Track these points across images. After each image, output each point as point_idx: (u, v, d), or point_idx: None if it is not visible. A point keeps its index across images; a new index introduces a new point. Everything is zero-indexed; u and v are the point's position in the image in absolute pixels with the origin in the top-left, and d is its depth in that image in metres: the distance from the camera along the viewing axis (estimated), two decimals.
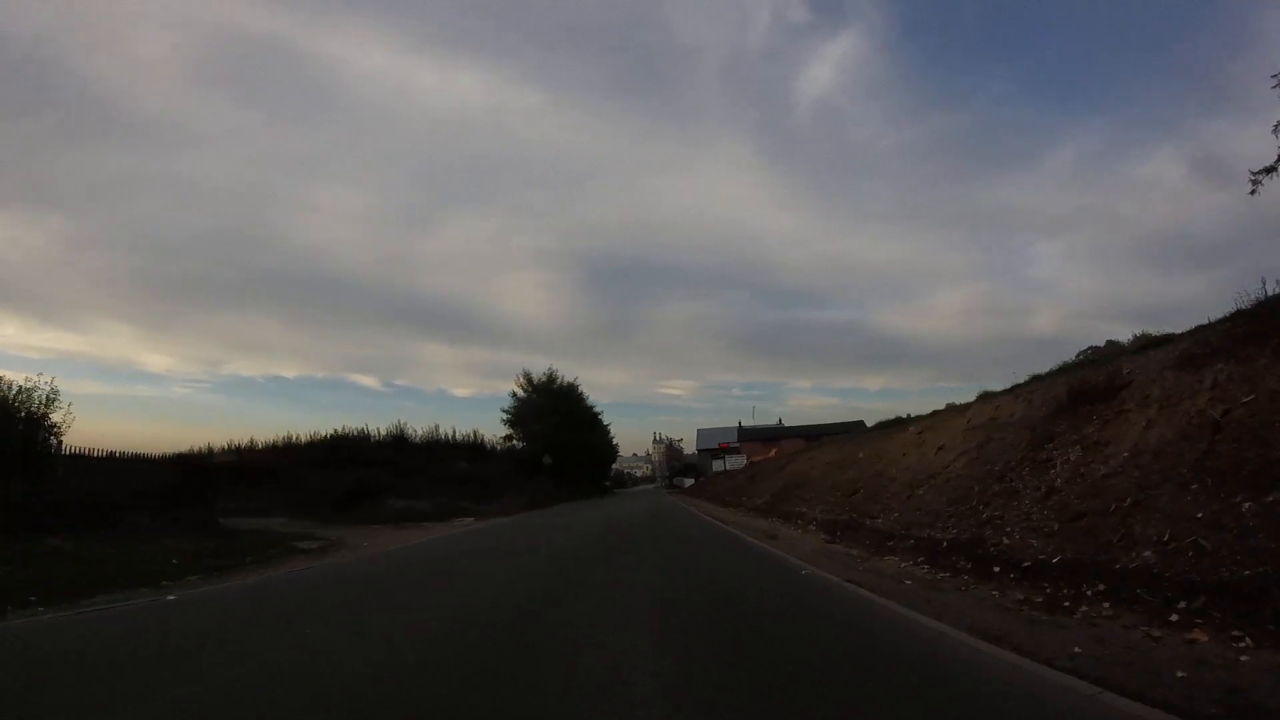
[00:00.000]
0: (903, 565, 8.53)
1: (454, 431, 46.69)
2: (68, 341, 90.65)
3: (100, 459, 14.81)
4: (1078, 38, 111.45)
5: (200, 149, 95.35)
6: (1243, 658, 3.88)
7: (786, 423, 73.38)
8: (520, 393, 47.87)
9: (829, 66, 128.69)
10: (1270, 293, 8.38)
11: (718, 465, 52.93)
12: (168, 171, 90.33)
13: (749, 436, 59.41)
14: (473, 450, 46.25)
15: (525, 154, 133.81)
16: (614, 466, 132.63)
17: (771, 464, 31.40)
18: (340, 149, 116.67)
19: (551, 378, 48.23)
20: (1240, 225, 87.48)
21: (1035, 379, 12.99)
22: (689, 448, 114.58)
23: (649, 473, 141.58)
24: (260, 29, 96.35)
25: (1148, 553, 5.62)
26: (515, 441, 46.82)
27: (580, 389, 49.65)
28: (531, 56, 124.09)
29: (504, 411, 47.36)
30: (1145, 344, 10.32)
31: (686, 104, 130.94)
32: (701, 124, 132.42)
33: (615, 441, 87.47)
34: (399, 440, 44.21)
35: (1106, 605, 5.26)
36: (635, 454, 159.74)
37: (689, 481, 65.65)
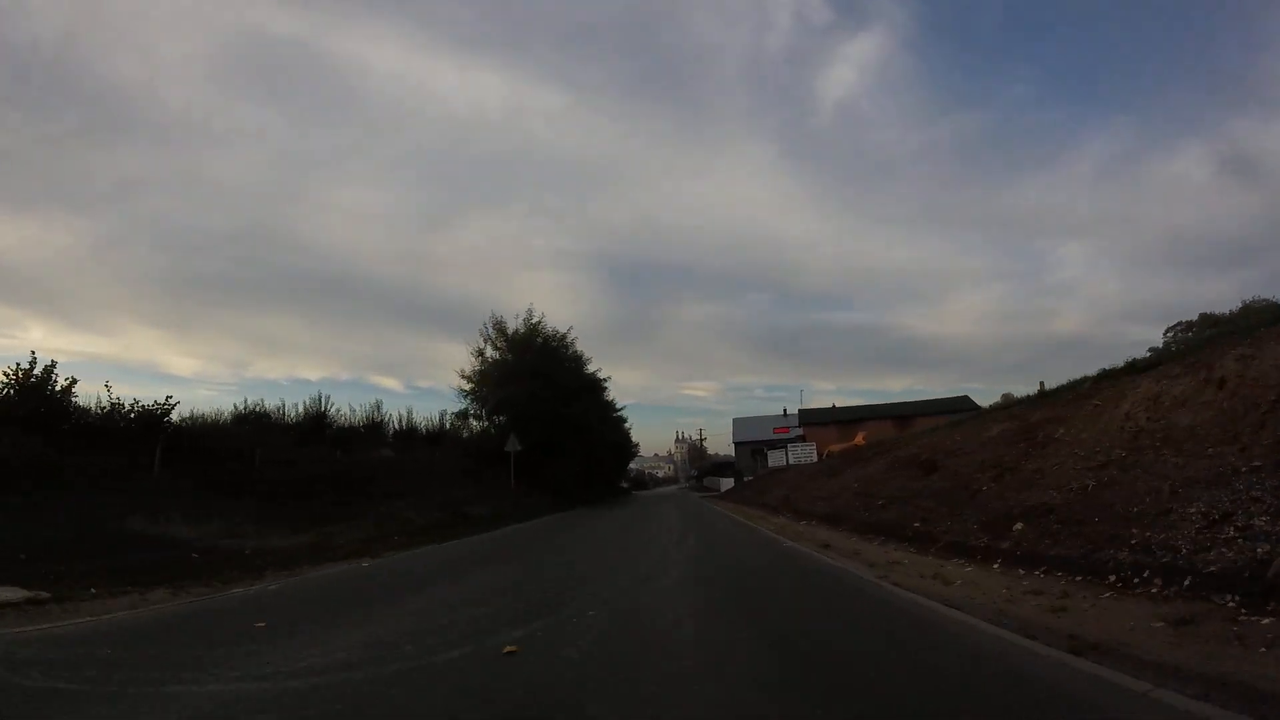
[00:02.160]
0: None
1: (408, 414, 30.62)
2: (94, 344, 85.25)
3: None
4: (1100, 37, 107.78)
5: (223, 150, 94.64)
6: None
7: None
8: (490, 351, 31.27)
9: (850, 68, 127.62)
10: None
11: (775, 459, 35.88)
12: (190, 172, 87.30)
13: (813, 420, 42.29)
14: (405, 437, 29.79)
15: (545, 155, 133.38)
16: (632, 466, 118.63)
17: (940, 444, 14.15)
18: (361, 149, 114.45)
19: (533, 329, 31.51)
20: (1269, 224, 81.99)
21: None
22: (712, 447, 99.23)
23: (671, 473, 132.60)
24: (282, 30, 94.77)
25: None
26: (473, 420, 30.25)
27: (575, 344, 32.86)
28: (551, 58, 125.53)
29: (463, 378, 30.78)
30: None
31: (707, 106, 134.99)
32: (722, 126, 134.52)
33: (636, 442, 73.57)
34: (317, 421, 27.95)
35: None
36: (657, 454, 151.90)
37: (727, 483, 48.50)
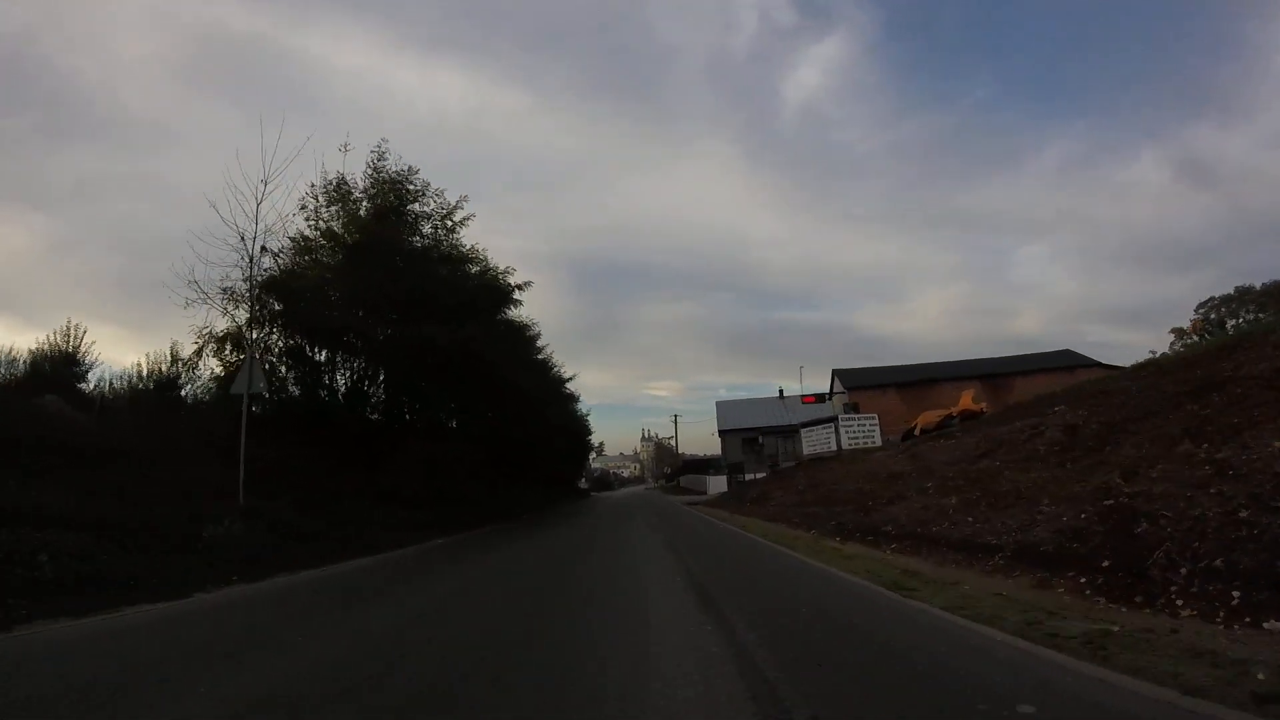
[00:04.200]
0: None
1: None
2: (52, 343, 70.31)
3: None
4: (1061, 42, 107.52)
5: (182, 149, 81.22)
6: None
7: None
8: (312, 232, 15.67)
9: (815, 69, 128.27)
10: None
11: (816, 443, 20.80)
12: (150, 171, 77.61)
13: (859, 383, 27.59)
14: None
15: (508, 156, 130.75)
16: (597, 466, 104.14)
17: None
18: (321, 149, 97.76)
19: (398, 191, 15.81)
20: (1222, 227, 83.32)
21: None
22: (682, 445, 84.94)
23: (638, 472, 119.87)
24: (242, 28, 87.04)
25: None
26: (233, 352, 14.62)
27: (468, 224, 16.98)
28: (515, 58, 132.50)
29: (261, 291, 14.99)
30: None
31: (672, 107, 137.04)
32: (686, 126, 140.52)
33: (600, 441, 60.17)
34: None
35: None
36: (622, 453, 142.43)
37: (717, 482, 34.20)
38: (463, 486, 15.83)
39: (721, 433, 46.38)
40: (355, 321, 14.01)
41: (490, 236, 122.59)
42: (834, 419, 20.38)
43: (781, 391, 47.94)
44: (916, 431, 18.03)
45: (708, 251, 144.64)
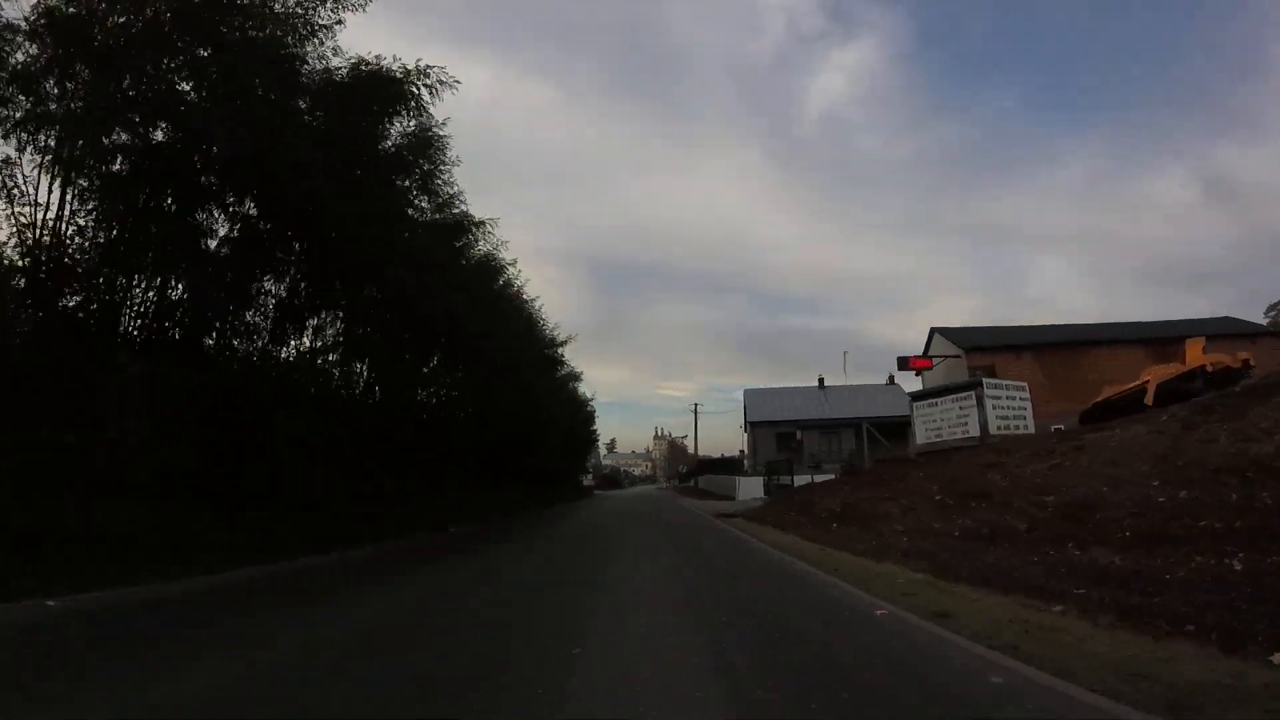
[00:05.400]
0: None
1: None
2: None
3: None
4: (1086, 56, 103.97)
5: None
6: None
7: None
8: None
9: (837, 76, 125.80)
10: None
11: (942, 426, 12.90)
12: None
13: (983, 342, 19.54)
14: None
15: (526, 151, 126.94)
16: (607, 463, 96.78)
17: None
18: None
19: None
20: (1243, 246, 79.46)
21: None
22: (691, 445, 77.08)
23: (649, 471, 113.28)
24: None
25: None
26: None
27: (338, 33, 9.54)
28: (535, 54, 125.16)
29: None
30: None
31: (691, 107, 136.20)
32: (706, 127, 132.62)
33: (612, 438, 53.28)
34: None
35: None
36: (634, 451, 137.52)
37: (750, 485, 26.49)
38: (307, 473, 8.29)
39: (751, 425, 38.40)
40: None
41: (506, 232, 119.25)
42: (977, 385, 12.42)
43: (822, 380, 39.95)
44: (1148, 399, 10.28)
45: (724, 254, 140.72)
